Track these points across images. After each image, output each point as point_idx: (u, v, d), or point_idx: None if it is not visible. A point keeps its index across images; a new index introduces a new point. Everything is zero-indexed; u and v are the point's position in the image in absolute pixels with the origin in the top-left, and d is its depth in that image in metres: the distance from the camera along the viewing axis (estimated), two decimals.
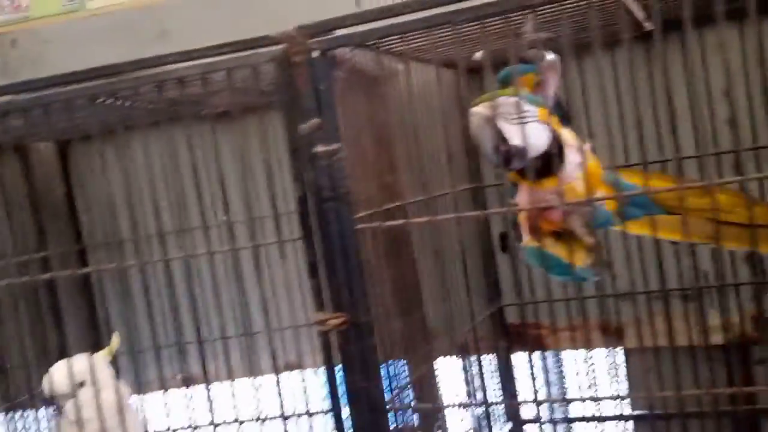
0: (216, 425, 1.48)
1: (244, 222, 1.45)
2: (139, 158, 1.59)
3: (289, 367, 1.63)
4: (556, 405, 2.30)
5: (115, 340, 1.81)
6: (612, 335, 2.11)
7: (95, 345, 2.17)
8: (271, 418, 1.45)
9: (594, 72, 1.52)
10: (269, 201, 1.39)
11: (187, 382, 2.11)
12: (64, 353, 2.17)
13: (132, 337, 1.70)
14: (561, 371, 2.35)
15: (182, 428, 1.53)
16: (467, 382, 1.92)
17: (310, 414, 1.39)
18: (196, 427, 1.50)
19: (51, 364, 1.74)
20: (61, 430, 1.69)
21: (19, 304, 1.96)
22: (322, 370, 1.39)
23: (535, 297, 2.16)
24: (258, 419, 1.46)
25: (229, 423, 1.50)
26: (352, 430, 1.34)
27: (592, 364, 2.21)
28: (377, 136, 1.51)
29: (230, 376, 1.49)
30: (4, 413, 1.94)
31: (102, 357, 1.81)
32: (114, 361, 1.80)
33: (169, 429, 1.53)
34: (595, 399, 1.39)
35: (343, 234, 1.32)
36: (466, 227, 1.97)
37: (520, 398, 2.24)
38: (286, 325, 1.62)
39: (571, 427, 2.26)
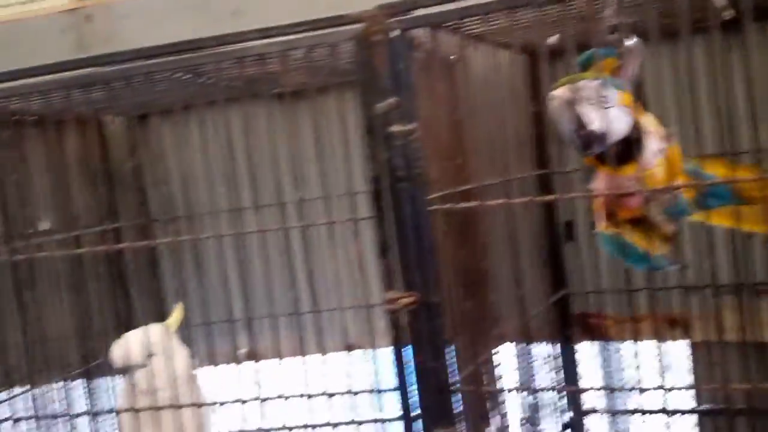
0: (286, 398, 1.50)
1: (319, 198, 1.45)
2: (213, 135, 1.61)
3: (355, 347, 1.63)
4: (617, 397, 2.27)
5: (180, 311, 1.84)
6: (678, 328, 2.08)
7: (160, 316, 2.21)
8: (338, 393, 1.47)
9: (670, 59, 1.49)
10: (344, 180, 1.39)
11: (252, 356, 2.14)
12: (130, 323, 2.23)
13: (205, 309, 1.72)
14: (623, 363, 2.31)
15: (251, 399, 1.55)
16: (527, 370, 1.91)
17: (378, 392, 1.39)
18: (264, 399, 1.51)
19: (119, 334, 1.79)
20: (130, 400, 1.73)
21: (88, 274, 2.01)
22: (384, 351, 1.39)
23: (600, 287, 2.14)
24: (326, 394, 1.47)
25: (298, 396, 1.51)
26: (419, 409, 1.34)
27: (658, 355, 2.18)
28: (450, 119, 1.50)
29: (301, 352, 1.49)
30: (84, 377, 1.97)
31: (168, 327, 1.85)
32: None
33: (238, 400, 1.54)
34: (661, 388, 1.36)
35: (416, 214, 1.32)
36: (533, 214, 1.95)
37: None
38: (353, 304, 1.61)
39: (631, 420, 2.23)
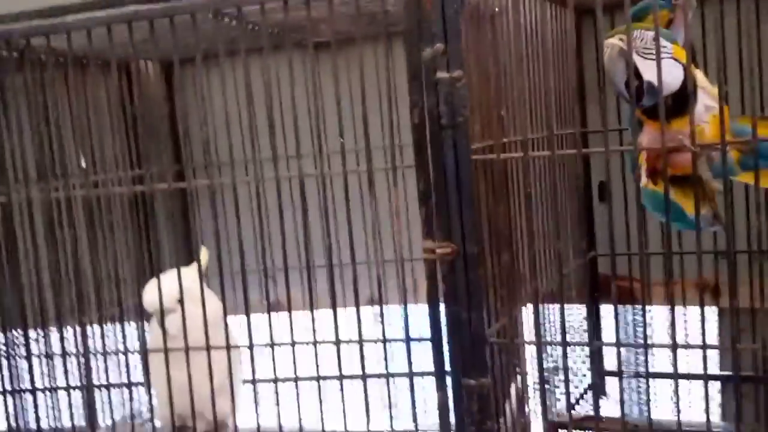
0: (317, 343, 1.50)
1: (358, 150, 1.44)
2: (253, 83, 1.58)
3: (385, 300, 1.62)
4: (640, 360, 2.27)
5: (204, 255, 1.85)
6: (708, 293, 2.06)
7: (188, 263, 2.22)
8: (371, 341, 1.47)
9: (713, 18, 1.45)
10: (388, 128, 1.38)
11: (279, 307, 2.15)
12: (159, 269, 2.24)
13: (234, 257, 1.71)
14: (649, 327, 2.31)
15: (283, 344, 1.55)
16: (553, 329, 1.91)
17: (410, 341, 1.39)
18: (295, 344, 1.52)
19: (147, 279, 1.80)
20: (158, 343, 1.74)
21: (119, 218, 2.02)
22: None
23: (630, 249, 2.12)
24: (358, 341, 1.48)
25: (329, 343, 1.52)
26: (451, 360, 1.34)
27: (685, 321, 2.18)
28: (493, 70, 1.48)
29: (332, 303, 1.49)
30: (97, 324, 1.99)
31: (194, 271, 1.85)
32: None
33: (269, 344, 1.55)
34: (681, 346, 1.35)
35: (458, 163, 1.31)
36: (568, 174, 1.94)
37: (605, 350, 2.22)
38: (389, 254, 1.59)
39: (652, 384, 2.23)
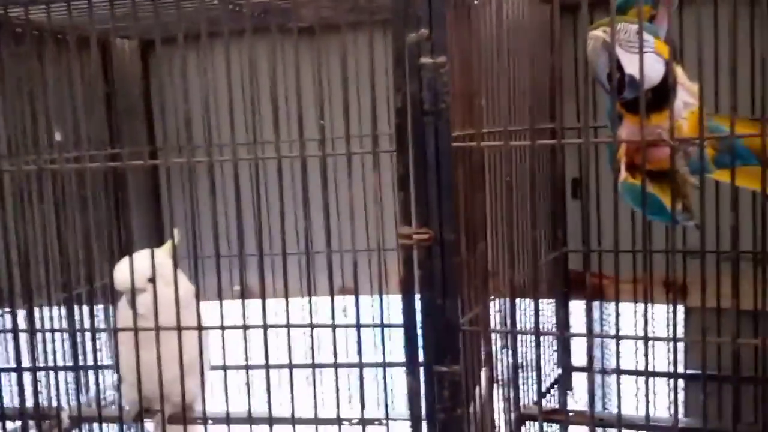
0: (290, 326, 1.49)
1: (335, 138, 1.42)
2: (233, 65, 1.56)
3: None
4: (606, 357, 2.30)
5: (176, 237, 1.83)
6: (675, 292, 2.09)
7: (157, 243, 2.19)
8: (344, 326, 1.46)
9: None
10: (370, 113, 1.37)
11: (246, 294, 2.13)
12: (129, 249, 2.22)
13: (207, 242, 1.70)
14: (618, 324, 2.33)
15: (255, 327, 1.54)
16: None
17: (383, 327, 1.39)
18: (268, 327, 1.50)
19: (118, 259, 1.78)
20: (126, 323, 1.72)
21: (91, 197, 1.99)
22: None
23: (601, 246, 2.15)
24: (331, 326, 1.47)
25: (305, 326, 1.51)
26: (424, 347, 1.34)
27: (652, 318, 2.20)
28: (474, 60, 1.48)
29: (309, 291, 1.48)
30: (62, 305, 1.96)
31: (165, 252, 1.84)
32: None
33: (242, 327, 1.53)
34: (651, 339, 1.37)
35: (438, 150, 1.31)
36: (542, 169, 1.95)
37: (573, 346, 2.24)
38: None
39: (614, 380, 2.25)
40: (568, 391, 2.22)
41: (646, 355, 1.33)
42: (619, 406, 1.43)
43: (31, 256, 1.71)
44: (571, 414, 1.81)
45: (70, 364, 1.93)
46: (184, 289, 1.74)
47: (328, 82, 1.55)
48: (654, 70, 1.25)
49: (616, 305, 1.39)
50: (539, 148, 1.84)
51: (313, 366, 1.51)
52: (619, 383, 2.10)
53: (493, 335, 1.52)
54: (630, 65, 1.23)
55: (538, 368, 1.36)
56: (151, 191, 2.42)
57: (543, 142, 1.33)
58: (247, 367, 1.58)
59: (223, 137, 1.82)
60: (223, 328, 1.56)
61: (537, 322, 1.35)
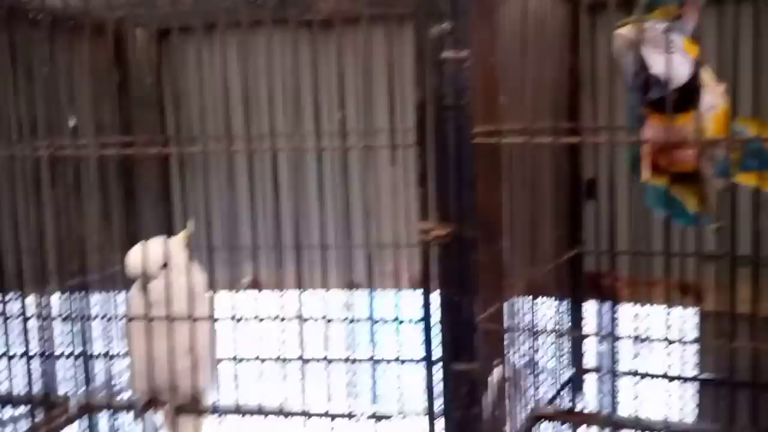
0: (305, 320, 1.47)
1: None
2: (250, 57, 1.54)
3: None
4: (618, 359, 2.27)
5: (190, 228, 1.81)
6: (690, 295, 2.07)
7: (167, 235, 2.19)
8: (359, 320, 1.45)
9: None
10: (387, 106, 1.35)
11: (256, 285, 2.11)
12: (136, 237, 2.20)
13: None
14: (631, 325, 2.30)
15: (270, 318, 1.52)
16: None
17: (400, 322, 1.37)
18: (282, 319, 1.49)
19: (124, 246, 1.76)
20: (137, 311, 1.71)
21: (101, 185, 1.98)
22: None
23: (615, 248, 2.12)
24: (348, 320, 1.45)
25: (317, 320, 1.49)
26: (441, 344, 1.33)
27: (669, 321, 2.18)
28: (495, 57, 1.47)
29: (324, 284, 1.46)
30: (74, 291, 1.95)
31: (179, 241, 1.82)
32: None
33: (257, 318, 1.52)
34: (673, 342, 1.35)
35: (459, 145, 1.29)
36: (559, 168, 1.93)
37: (585, 347, 2.22)
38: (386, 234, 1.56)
39: (625, 383, 2.23)
40: (579, 393, 2.20)
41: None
42: (634, 410, 1.40)
43: (43, 242, 1.71)
44: (584, 414, 1.80)
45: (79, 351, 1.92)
46: (196, 280, 1.72)
47: (342, 78, 1.53)
48: (681, 70, 1.23)
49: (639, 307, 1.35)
50: (558, 148, 1.83)
51: (327, 360, 1.49)
52: (637, 386, 2.08)
53: (508, 334, 1.51)
54: (656, 64, 1.21)
55: (557, 369, 1.34)
56: (161, 182, 2.40)
57: (566, 140, 1.31)
58: (260, 359, 1.56)
59: (239, 128, 1.81)
60: (236, 319, 1.54)
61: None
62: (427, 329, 1.32)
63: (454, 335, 1.31)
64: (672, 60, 1.19)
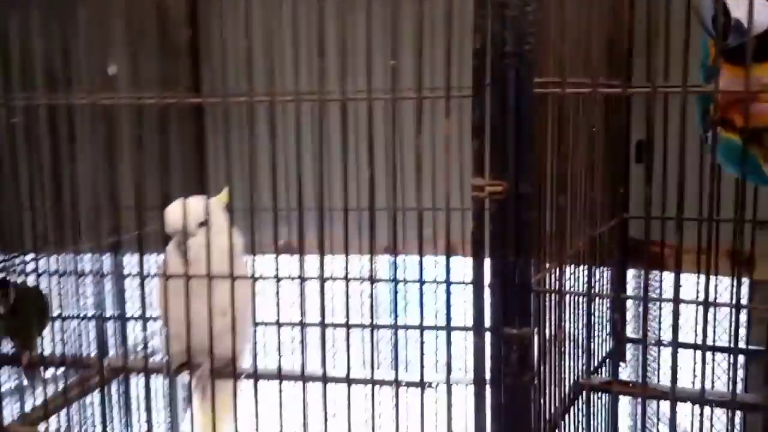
0: (348, 280, 1.41)
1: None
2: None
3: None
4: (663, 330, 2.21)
5: (226, 192, 1.77)
6: (741, 264, 1.99)
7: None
8: (409, 281, 1.39)
9: None
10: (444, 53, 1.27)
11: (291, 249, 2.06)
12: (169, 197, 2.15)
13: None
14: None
15: (313, 278, 1.46)
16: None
17: (449, 283, 1.31)
18: (325, 279, 1.43)
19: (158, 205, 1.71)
20: (174, 269, 1.67)
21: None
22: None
23: (665, 213, 2.04)
24: (395, 280, 1.39)
25: (361, 280, 1.43)
26: (492, 308, 1.26)
27: (716, 290, 2.10)
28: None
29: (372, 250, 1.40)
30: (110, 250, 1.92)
31: (219, 201, 1.78)
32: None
33: (300, 278, 1.46)
34: (710, 304, 1.27)
35: (519, 95, 1.21)
36: (607, 128, 1.85)
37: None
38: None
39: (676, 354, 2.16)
40: (621, 363, 2.14)
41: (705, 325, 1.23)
42: (674, 379, 1.34)
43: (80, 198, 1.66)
44: (628, 385, 1.74)
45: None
46: (235, 241, 1.67)
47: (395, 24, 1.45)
48: (763, 16, 1.14)
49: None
50: (608, 108, 1.74)
51: (372, 326, 1.43)
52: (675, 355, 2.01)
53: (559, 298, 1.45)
54: (737, 10, 1.13)
55: (615, 332, 1.27)
56: (196, 140, 2.35)
57: (636, 89, 1.23)
58: (302, 324, 1.50)
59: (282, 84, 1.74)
60: (278, 278, 1.48)
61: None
62: (479, 293, 1.25)
63: (507, 299, 1.25)
64: (754, 4, 1.10)
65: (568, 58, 1.37)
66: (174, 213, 1.62)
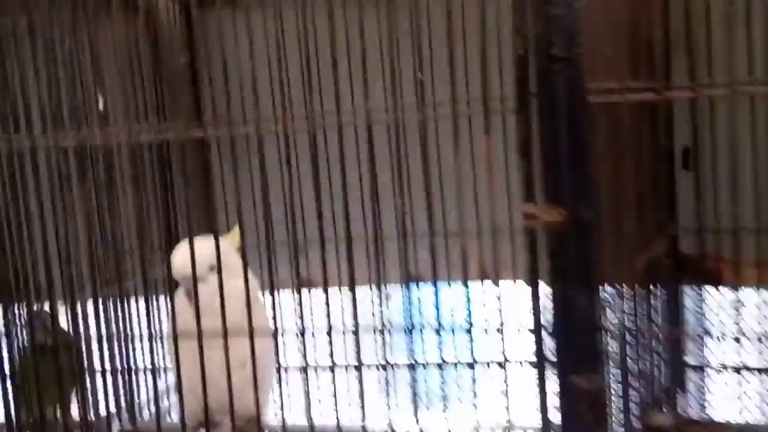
0: (385, 332, 1.24)
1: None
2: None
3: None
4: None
5: (237, 231, 1.61)
6: None
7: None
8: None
9: None
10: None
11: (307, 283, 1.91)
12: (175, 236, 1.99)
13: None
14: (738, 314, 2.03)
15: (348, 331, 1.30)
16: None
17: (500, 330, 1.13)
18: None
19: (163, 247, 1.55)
20: (184, 317, 1.50)
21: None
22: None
23: (718, 224, 1.86)
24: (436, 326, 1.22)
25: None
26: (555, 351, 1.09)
27: None
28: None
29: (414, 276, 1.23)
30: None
31: (230, 240, 1.61)
32: None
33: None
34: None
35: (572, 105, 1.04)
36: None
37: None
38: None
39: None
40: (679, 393, 1.95)
41: None
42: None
43: (72, 247, 1.49)
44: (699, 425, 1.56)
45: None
46: (251, 283, 1.50)
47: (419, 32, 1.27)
48: None
49: None
50: (650, 113, 1.58)
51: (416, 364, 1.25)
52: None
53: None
54: None
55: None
56: (201, 173, 2.17)
57: (712, 90, 1.05)
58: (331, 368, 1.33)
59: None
60: (303, 333, 1.31)
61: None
62: (539, 332, 1.07)
63: (573, 341, 1.07)
64: None
65: (616, 59, 1.20)
66: (180, 257, 1.46)
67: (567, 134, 1.04)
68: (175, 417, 1.96)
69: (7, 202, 1.42)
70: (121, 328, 1.67)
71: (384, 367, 1.31)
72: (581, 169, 1.05)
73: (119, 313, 1.67)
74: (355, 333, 1.30)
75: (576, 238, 1.05)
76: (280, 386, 1.41)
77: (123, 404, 1.70)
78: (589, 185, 1.05)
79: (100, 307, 1.60)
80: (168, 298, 1.56)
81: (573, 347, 1.07)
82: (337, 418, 1.32)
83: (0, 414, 1.62)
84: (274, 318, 1.58)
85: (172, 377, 1.79)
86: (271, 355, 1.55)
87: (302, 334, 1.38)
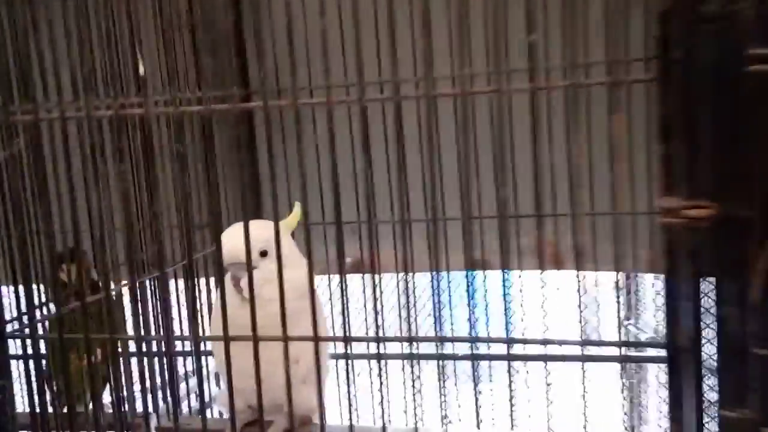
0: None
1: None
2: None
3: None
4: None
5: (297, 211, 1.44)
6: None
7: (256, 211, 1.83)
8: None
9: None
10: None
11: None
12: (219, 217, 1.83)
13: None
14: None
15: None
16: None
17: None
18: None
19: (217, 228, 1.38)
20: (232, 310, 1.32)
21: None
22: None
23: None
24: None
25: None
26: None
27: None
28: None
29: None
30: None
31: (285, 226, 1.44)
32: None
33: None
34: None
35: (725, 75, 0.84)
36: None
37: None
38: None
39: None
40: None
41: None
42: None
43: (107, 229, 1.34)
44: None
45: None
46: (303, 273, 1.32)
47: None
48: None
49: None
50: None
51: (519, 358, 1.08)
52: None
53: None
54: None
55: None
56: (246, 147, 2.00)
57: None
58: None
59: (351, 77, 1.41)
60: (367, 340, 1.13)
61: None
62: (676, 354, 0.89)
63: (731, 362, 0.88)
64: None
65: None
66: (230, 242, 1.29)
67: (717, 111, 0.84)
68: (214, 411, 1.82)
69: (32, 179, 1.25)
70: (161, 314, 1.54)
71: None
72: (736, 155, 0.85)
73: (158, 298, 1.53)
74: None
75: (727, 238, 0.85)
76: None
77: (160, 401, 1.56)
78: (746, 174, 0.85)
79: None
80: (216, 284, 1.39)
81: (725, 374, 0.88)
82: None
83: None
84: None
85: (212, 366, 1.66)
86: (326, 351, 1.39)
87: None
